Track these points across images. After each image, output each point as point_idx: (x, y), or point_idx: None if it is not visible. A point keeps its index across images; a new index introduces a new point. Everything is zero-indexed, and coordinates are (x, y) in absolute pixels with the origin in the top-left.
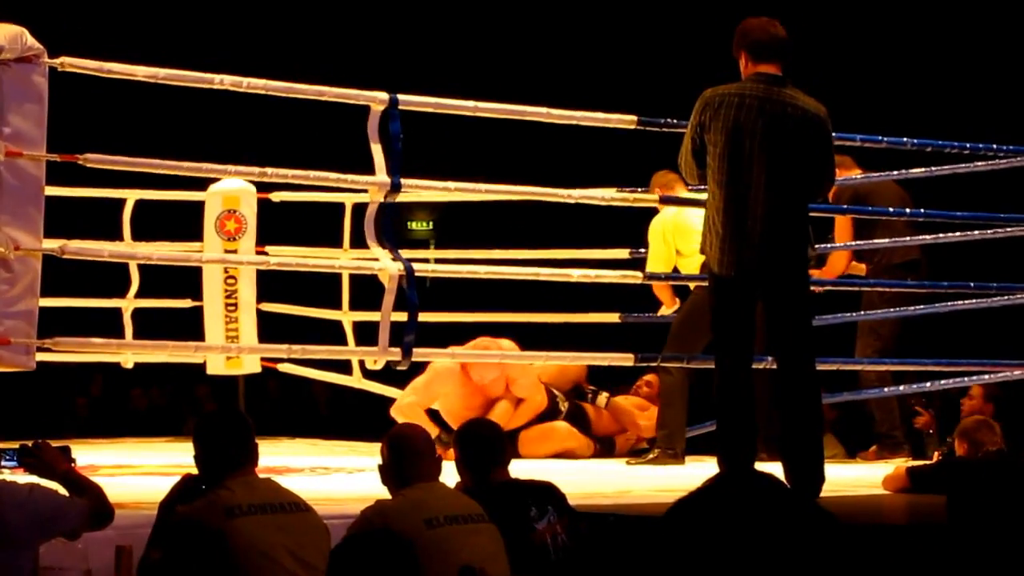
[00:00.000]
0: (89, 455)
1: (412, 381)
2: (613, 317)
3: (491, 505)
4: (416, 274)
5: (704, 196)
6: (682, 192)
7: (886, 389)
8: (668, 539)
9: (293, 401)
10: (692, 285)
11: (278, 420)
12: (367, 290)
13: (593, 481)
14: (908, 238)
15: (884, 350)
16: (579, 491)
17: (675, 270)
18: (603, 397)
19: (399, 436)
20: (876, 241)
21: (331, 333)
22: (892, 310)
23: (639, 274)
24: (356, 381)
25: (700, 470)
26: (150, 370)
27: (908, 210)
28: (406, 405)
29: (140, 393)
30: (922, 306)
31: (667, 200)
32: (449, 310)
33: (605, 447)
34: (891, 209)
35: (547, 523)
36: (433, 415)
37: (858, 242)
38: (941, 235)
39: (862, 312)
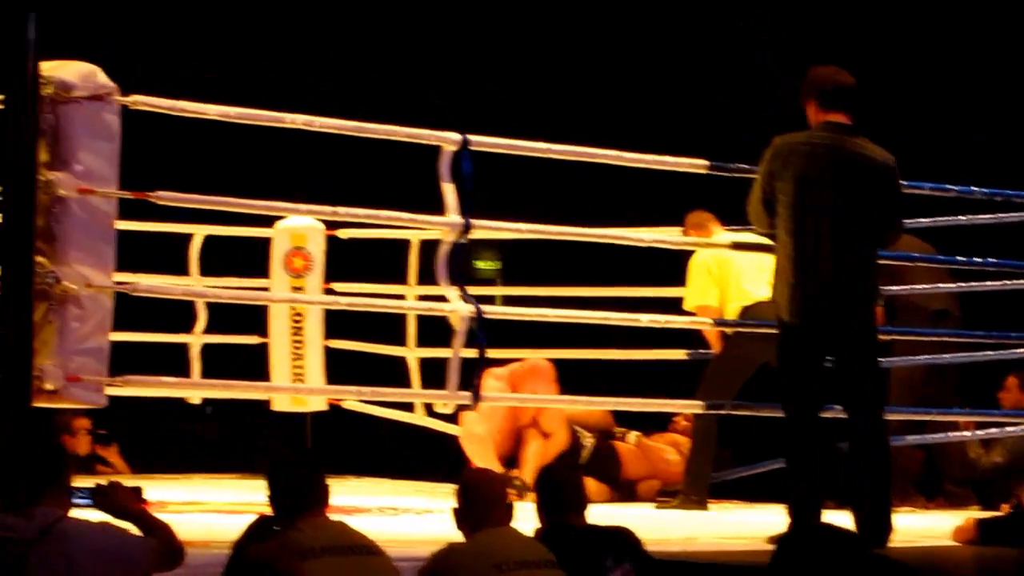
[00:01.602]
0: (159, 492)
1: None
2: (680, 354)
3: (566, 551)
4: (484, 316)
5: (748, 236)
6: (716, 230)
7: (950, 434)
8: None
9: (358, 438)
10: (729, 330)
11: (344, 457)
12: (431, 324)
13: (644, 527)
14: (938, 285)
15: (923, 398)
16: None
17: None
18: (633, 435)
19: (472, 481)
20: (916, 287)
21: (393, 366)
22: (947, 355)
23: (709, 321)
24: (419, 419)
25: (733, 516)
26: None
27: (959, 257)
28: (477, 435)
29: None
30: (962, 354)
31: (739, 246)
32: (513, 346)
33: (624, 493)
34: (939, 256)
35: (622, 572)
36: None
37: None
38: (975, 283)
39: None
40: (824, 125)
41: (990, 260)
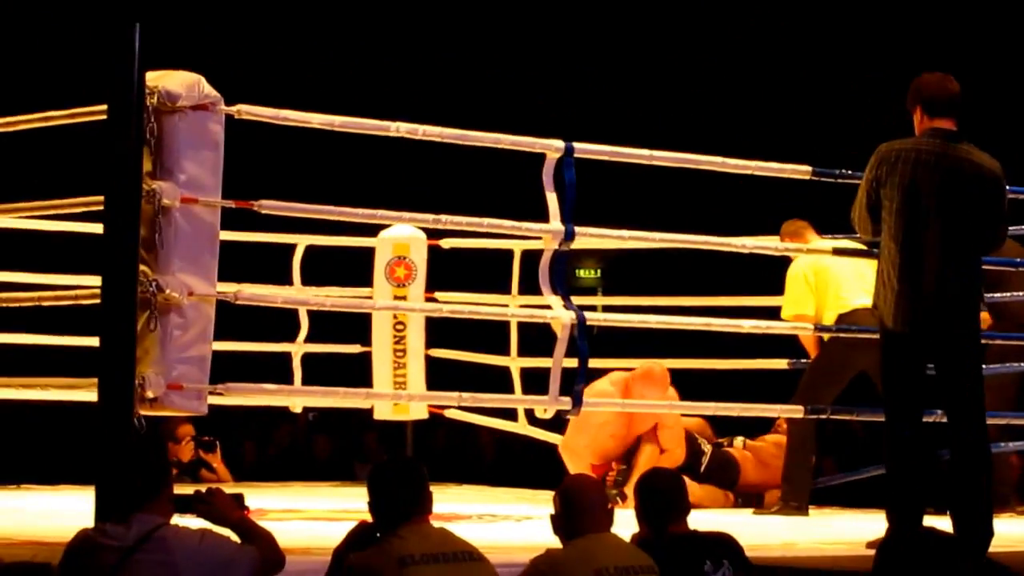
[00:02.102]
0: (259, 499)
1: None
2: (782, 364)
3: (666, 558)
4: (587, 323)
5: (846, 244)
6: (812, 238)
7: (1003, 445)
8: None
9: (459, 447)
10: (826, 336)
11: (445, 466)
12: (532, 335)
13: (744, 532)
14: None
15: (1007, 408)
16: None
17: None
18: (739, 440)
19: (571, 488)
20: (1018, 294)
21: (494, 378)
22: (1014, 364)
23: (809, 327)
24: (521, 428)
25: (834, 521)
26: (323, 417)
27: None
28: (574, 446)
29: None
30: None
31: (839, 252)
32: (613, 356)
33: (748, 501)
34: None
35: None
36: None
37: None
38: None
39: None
40: (930, 132)
41: None
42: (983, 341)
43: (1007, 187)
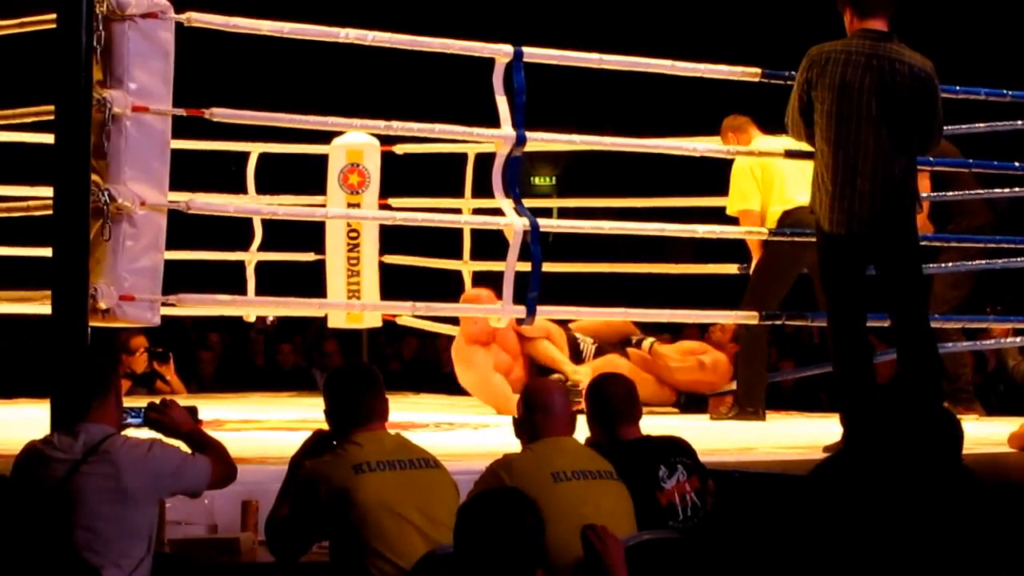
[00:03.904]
0: (215, 410)
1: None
2: (732, 268)
3: (620, 462)
4: (541, 229)
5: (788, 142)
6: (755, 134)
7: (962, 344)
8: (816, 500)
9: (417, 356)
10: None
11: (404, 376)
12: (487, 239)
13: (700, 437)
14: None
15: (960, 307)
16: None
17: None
18: (647, 342)
19: (533, 390)
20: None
21: (449, 281)
22: (970, 262)
23: (764, 230)
24: None
25: (788, 426)
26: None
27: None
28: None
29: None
30: (1003, 260)
31: (791, 154)
32: (570, 260)
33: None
34: (995, 163)
35: (676, 482)
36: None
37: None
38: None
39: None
40: (861, 32)
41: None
42: (935, 244)
43: (940, 87)
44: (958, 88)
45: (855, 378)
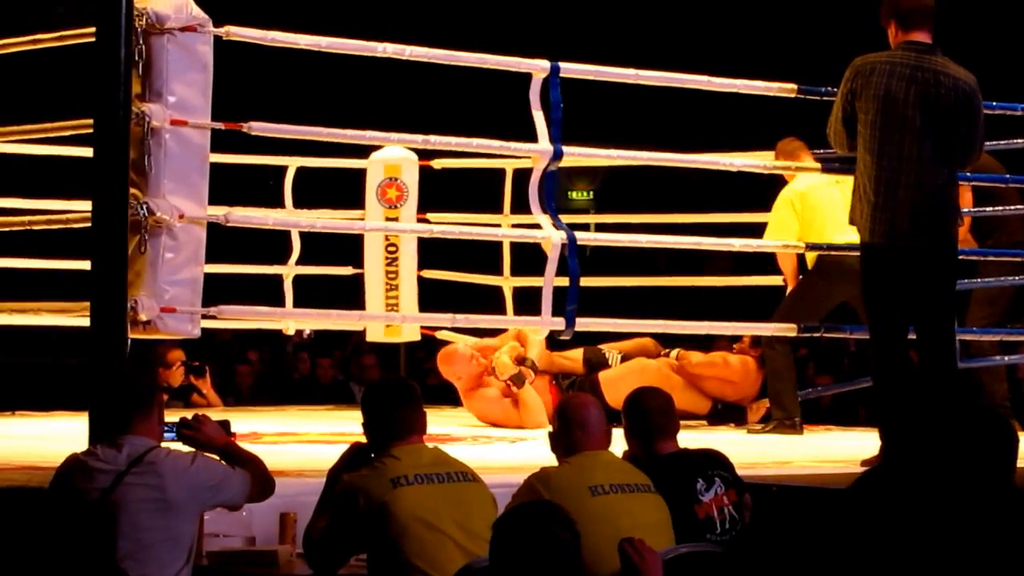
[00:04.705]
0: (252, 423)
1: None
2: (777, 280)
3: (657, 476)
4: (578, 243)
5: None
6: (806, 160)
7: (997, 358)
8: (855, 514)
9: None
10: (809, 264)
11: (442, 390)
12: (526, 255)
13: (738, 451)
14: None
15: (997, 322)
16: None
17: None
18: (674, 353)
19: (569, 405)
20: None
21: (489, 298)
22: (1008, 278)
23: (801, 245)
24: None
25: (825, 441)
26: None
27: None
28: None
29: (305, 359)
30: None
31: (828, 168)
32: (608, 275)
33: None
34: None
35: (714, 495)
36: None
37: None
38: None
39: (978, 280)
40: (906, 44)
41: None
42: (973, 258)
43: (983, 102)
44: (995, 104)
45: (895, 392)
